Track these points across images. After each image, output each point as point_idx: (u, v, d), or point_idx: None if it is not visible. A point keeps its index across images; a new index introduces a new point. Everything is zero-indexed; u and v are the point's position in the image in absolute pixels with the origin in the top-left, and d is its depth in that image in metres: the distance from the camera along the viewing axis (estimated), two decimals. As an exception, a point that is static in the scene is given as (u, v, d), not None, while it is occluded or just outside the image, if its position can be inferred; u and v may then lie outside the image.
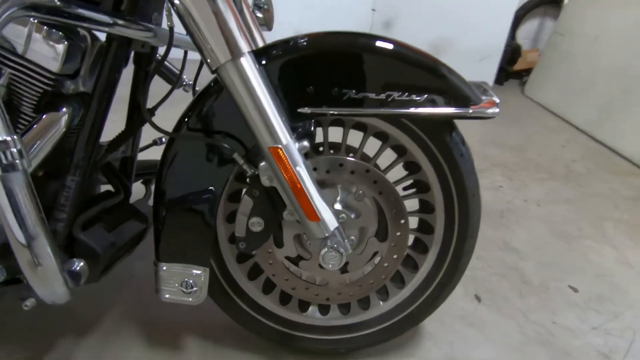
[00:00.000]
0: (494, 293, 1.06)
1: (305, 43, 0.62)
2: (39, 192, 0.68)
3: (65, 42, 0.59)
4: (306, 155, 0.68)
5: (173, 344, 0.86)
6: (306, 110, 0.62)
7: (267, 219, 0.65)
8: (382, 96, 0.61)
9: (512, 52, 3.18)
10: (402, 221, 0.70)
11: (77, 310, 0.93)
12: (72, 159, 0.66)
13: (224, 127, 0.64)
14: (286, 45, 0.62)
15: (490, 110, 0.63)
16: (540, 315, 1.00)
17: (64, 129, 0.65)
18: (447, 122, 0.67)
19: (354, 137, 0.73)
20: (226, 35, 0.54)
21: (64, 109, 0.65)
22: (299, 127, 0.63)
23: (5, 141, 0.34)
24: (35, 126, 0.63)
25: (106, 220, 0.74)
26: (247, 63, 0.55)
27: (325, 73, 0.61)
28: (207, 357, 0.84)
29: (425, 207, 0.75)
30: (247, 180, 0.64)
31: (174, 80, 0.95)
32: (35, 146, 0.63)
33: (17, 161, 0.35)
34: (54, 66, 0.60)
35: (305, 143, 0.59)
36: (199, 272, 0.70)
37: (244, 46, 0.55)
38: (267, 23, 0.83)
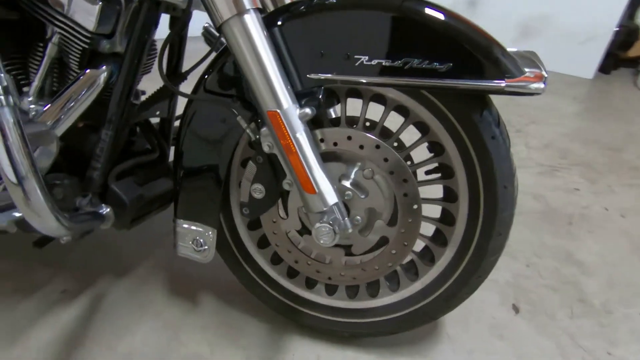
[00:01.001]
0: (537, 306, 0.93)
1: (323, 2, 0.58)
2: (79, 142, 0.76)
3: (100, 3, 0.64)
4: (318, 124, 0.65)
5: (191, 298, 0.92)
6: (316, 76, 0.59)
7: (268, 187, 0.64)
8: (398, 63, 0.55)
9: (627, 34, 2.66)
10: (415, 206, 0.63)
11: (123, 254, 1.05)
12: (106, 114, 0.72)
13: (236, 90, 0.63)
14: (307, 3, 0.59)
15: (533, 85, 0.53)
16: (593, 342, 0.85)
17: (102, 86, 0.71)
18: (477, 97, 0.58)
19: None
20: (230, -10, 0.52)
21: (103, 67, 0.71)
22: (308, 93, 0.60)
23: None
24: (77, 81, 0.70)
25: (139, 175, 0.81)
26: (252, 20, 0.54)
27: (337, 36, 0.57)
28: (219, 316, 0.88)
29: (449, 195, 0.67)
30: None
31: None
32: (78, 99, 0.70)
33: (2, 97, 0.39)
34: (90, 25, 0.65)
35: (308, 110, 0.56)
36: (208, 232, 0.73)
37: (248, 2, 0.53)
38: None
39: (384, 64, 0.55)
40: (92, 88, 0.70)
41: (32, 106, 0.71)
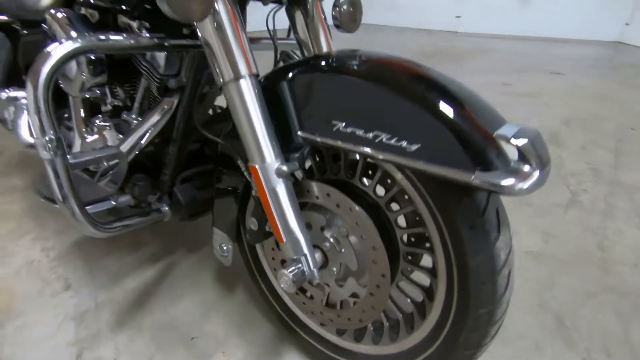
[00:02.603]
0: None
1: (313, 66, 0.60)
2: (156, 153, 0.97)
3: (165, 53, 0.80)
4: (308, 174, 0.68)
5: (230, 286, 1.09)
6: (303, 134, 0.61)
7: (259, 222, 0.71)
8: (369, 135, 0.53)
9: None
10: (383, 275, 0.60)
11: (200, 232, 1.29)
12: (171, 133, 0.90)
13: None
14: (301, 66, 0.62)
15: (515, 185, 0.43)
16: None
17: (172, 111, 0.89)
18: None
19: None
20: (230, 59, 0.59)
21: (174, 97, 0.88)
22: (297, 149, 0.63)
23: (50, 139, 0.57)
24: (156, 107, 0.89)
25: (199, 181, 0.99)
26: (246, 85, 0.60)
27: (321, 99, 0.58)
28: (243, 308, 1.02)
29: (433, 269, 0.61)
30: None
31: None
32: (154, 120, 0.89)
33: (52, 152, 0.57)
34: (160, 69, 0.82)
35: (284, 168, 0.60)
36: (229, 243, 0.85)
37: (244, 70, 0.59)
38: (344, 25, 0.81)
39: (356, 133, 0.54)
40: (165, 113, 0.89)
41: (135, 121, 0.95)
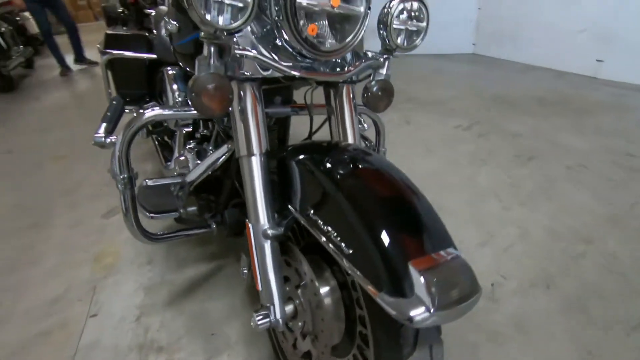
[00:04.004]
0: None
1: (317, 157, 0.69)
2: (215, 184, 1.20)
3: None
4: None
5: (256, 298, 1.25)
6: (290, 207, 0.72)
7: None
8: (325, 228, 0.61)
9: None
10: (325, 345, 0.67)
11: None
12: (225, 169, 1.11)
13: None
14: (312, 151, 0.72)
15: (406, 317, 0.45)
16: None
17: (230, 152, 1.10)
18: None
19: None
20: (247, 139, 0.74)
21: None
22: (287, 217, 0.74)
23: (124, 177, 0.81)
24: (219, 148, 1.11)
25: (244, 207, 1.18)
26: (256, 161, 0.73)
27: (307, 186, 0.67)
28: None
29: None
30: None
31: None
32: (218, 158, 1.12)
33: (123, 187, 0.80)
34: (223, 121, 1.03)
35: (268, 231, 0.71)
36: (245, 266, 1.01)
37: (256, 149, 0.73)
38: (371, 106, 0.87)
39: (318, 222, 0.62)
40: (225, 152, 1.10)
41: (210, 151, 1.20)
